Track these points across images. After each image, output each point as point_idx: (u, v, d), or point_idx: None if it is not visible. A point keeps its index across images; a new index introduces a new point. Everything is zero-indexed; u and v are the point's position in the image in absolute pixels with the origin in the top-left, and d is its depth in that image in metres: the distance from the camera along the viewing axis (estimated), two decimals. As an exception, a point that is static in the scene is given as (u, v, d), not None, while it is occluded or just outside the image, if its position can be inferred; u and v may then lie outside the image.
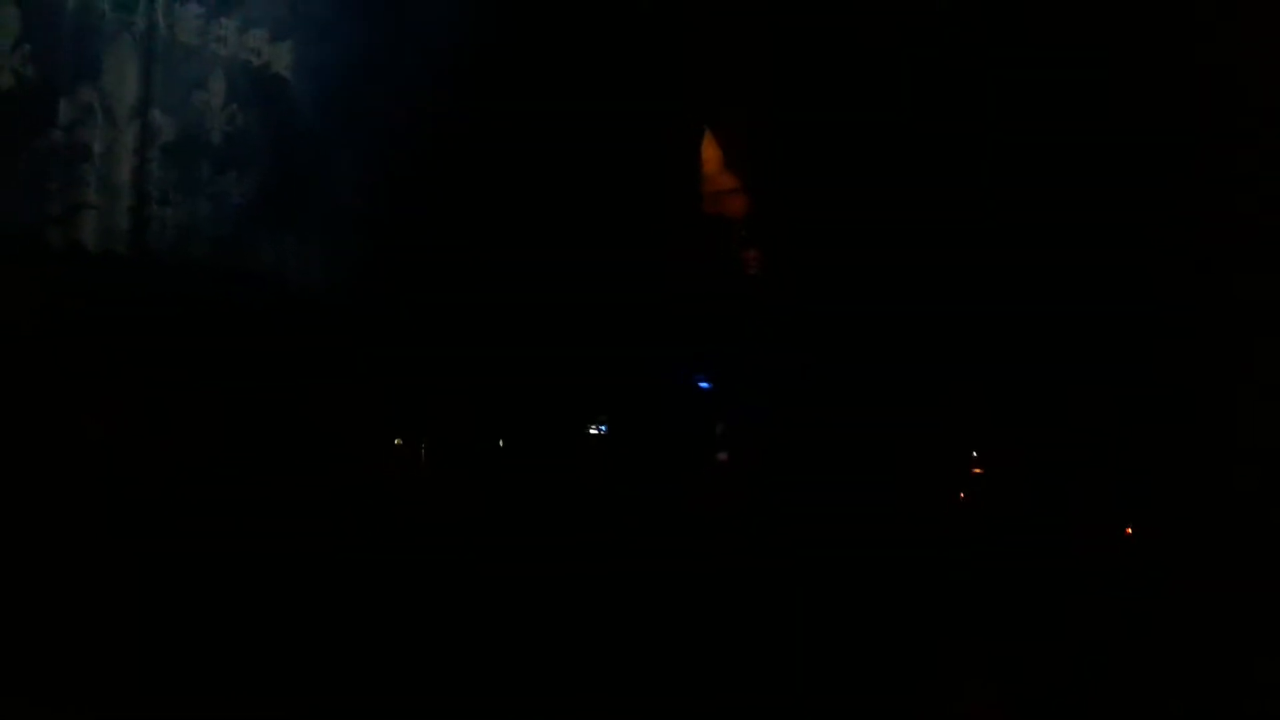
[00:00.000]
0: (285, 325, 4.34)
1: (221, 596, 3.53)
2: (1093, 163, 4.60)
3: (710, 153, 5.31)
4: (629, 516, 4.46)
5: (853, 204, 4.86)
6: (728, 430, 5.20)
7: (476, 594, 3.80)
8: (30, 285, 3.78)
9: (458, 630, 3.63)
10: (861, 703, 3.42)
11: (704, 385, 5.28)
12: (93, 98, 4.00)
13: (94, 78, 4.00)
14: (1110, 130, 4.60)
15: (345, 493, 4.13)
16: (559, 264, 4.75)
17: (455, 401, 4.71)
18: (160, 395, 4.00)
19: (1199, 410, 4.36)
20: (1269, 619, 3.68)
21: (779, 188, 5.17)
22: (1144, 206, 4.51)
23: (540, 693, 3.33)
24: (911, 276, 4.80)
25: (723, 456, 5.14)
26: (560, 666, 3.49)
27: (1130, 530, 4.45)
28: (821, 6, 5.05)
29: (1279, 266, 4.21)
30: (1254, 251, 4.30)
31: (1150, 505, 4.42)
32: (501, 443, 4.93)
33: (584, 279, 4.79)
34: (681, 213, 5.23)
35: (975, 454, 4.97)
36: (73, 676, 3.09)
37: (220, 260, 4.34)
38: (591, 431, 5.07)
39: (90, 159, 4.00)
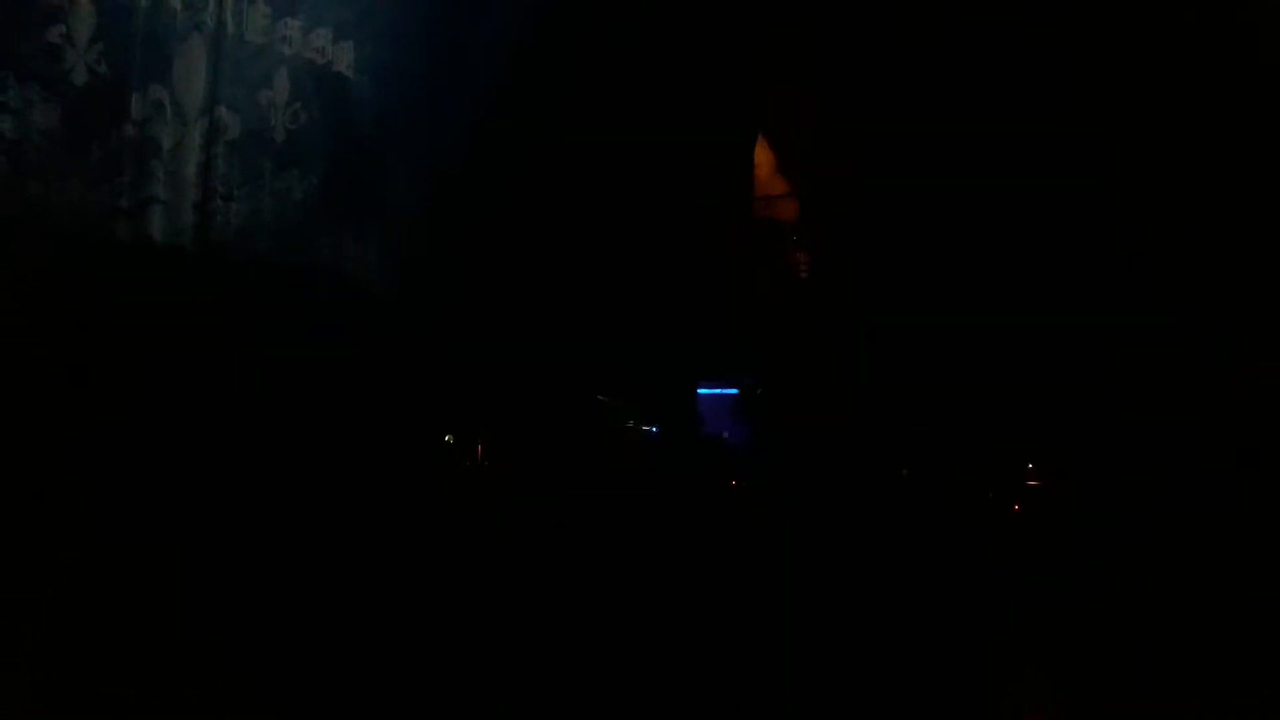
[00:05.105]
0: (344, 320, 4.40)
1: (271, 598, 3.58)
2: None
3: (763, 158, 5.34)
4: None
5: (904, 208, 4.86)
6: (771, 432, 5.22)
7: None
8: (98, 277, 3.87)
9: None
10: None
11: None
12: (163, 95, 4.07)
13: (164, 75, 4.07)
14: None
15: (400, 488, 4.18)
16: (614, 264, 4.80)
17: (510, 398, 4.76)
18: (219, 387, 4.06)
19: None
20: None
21: (831, 192, 5.17)
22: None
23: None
24: (964, 281, 4.79)
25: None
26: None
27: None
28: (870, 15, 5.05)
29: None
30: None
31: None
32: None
33: (636, 280, 4.84)
34: (735, 217, 5.26)
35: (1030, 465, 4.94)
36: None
37: (281, 255, 4.41)
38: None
39: (159, 155, 4.07)
